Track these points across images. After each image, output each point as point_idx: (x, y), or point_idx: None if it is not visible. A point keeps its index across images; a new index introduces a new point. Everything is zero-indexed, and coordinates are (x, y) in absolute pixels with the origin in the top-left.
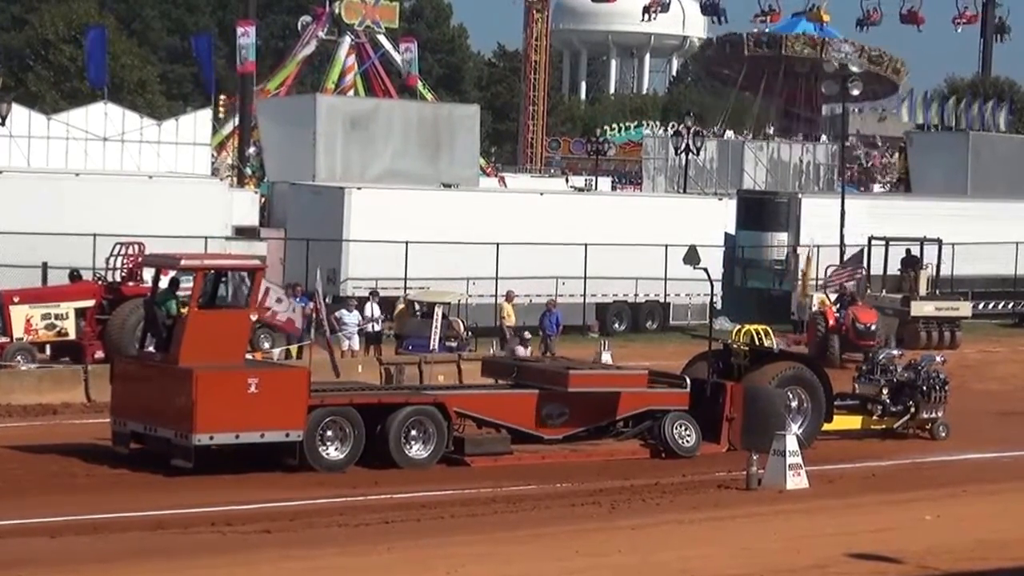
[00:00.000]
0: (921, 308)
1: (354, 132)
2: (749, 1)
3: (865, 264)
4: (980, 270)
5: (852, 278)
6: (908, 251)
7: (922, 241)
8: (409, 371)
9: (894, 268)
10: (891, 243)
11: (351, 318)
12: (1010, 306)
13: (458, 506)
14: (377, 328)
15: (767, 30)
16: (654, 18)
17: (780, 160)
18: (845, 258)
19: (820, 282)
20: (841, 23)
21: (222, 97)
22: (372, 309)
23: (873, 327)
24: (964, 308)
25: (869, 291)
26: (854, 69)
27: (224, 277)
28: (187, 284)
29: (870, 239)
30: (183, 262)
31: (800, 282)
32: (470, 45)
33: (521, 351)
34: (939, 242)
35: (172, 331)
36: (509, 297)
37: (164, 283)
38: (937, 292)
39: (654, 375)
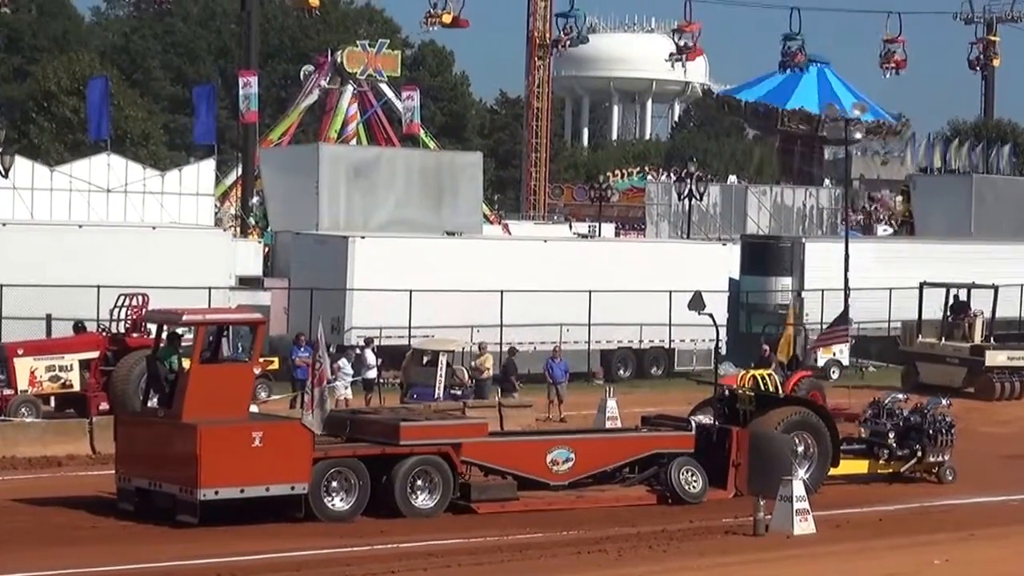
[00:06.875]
0: (995, 358)
1: (357, 181)
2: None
3: (850, 324)
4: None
5: (843, 340)
6: (956, 297)
7: (970, 287)
8: None
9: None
10: (944, 289)
11: (349, 368)
12: None
13: (464, 555)
14: (372, 375)
15: (762, 99)
16: (557, 54)
17: (783, 204)
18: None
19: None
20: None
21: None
22: (368, 357)
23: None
24: None
25: (921, 338)
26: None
27: (226, 331)
28: (190, 337)
29: (922, 284)
30: (185, 317)
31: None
32: (472, 92)
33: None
34: (995, 288)
35: (175, 386)
36: (482, 348)
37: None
38: (992, 340)
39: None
